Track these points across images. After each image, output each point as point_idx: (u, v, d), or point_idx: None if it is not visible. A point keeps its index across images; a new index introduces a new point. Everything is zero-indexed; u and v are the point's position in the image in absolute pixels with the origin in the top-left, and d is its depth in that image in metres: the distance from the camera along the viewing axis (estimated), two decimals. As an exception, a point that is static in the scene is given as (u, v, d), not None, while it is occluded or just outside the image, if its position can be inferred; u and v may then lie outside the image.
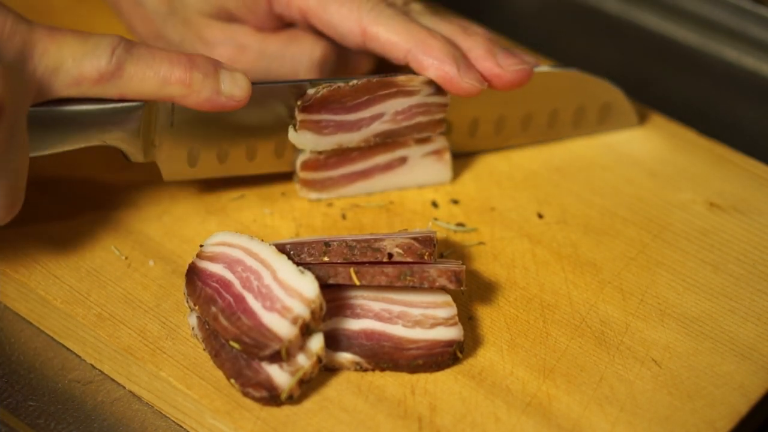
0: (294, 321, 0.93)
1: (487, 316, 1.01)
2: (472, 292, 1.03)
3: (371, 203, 1.10)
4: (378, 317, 0.97)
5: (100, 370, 0.99)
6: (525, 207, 1.11)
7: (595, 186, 1.14)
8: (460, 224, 1.09)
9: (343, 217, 1.09)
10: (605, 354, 0.99)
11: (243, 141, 1.06)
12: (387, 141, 1.08)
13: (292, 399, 0.94)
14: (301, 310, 0.93)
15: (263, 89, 1.04)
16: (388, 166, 1.10)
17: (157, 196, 1.09)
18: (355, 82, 1.05)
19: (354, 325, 0.97)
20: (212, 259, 0.98)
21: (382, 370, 0.97)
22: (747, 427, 0.97)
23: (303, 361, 0.93)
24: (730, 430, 0.95)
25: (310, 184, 1.09)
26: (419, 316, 0.97)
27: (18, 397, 0.97)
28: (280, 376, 0.93)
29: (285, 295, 0.94)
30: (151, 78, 0.97)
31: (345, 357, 0.96)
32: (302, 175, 1.08)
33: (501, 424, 0.94)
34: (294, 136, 1.06)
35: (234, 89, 1.00)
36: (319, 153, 1.07)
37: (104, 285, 1.01)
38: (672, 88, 1.25)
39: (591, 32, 1.38)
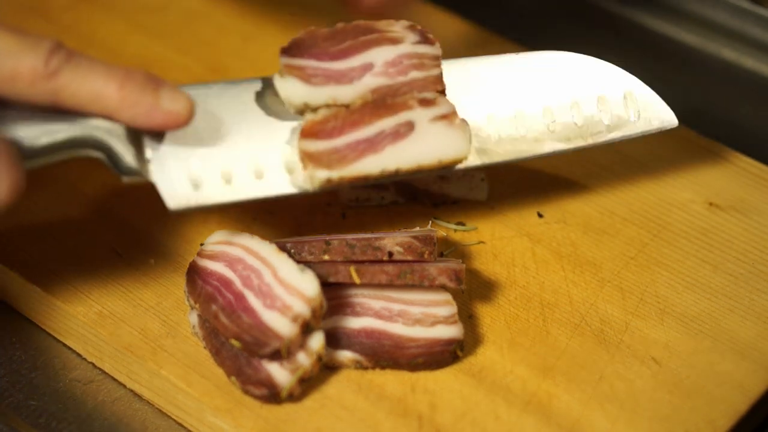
0: (294, 319, 0.93)
1: (487, 314, 1.02)
2: (472, 291, 1.03)
3: (371, 202, 1.11)
4: (378, 315, 0.97)
5: (100, 369, 0.99)
6: (525, 206, 1.11)
7: (594, 185, 1.14)
8: (460, 223, 1.09)
9: (344, 216, 1.09)
10: (605, 353, 0.99)
11: (245, 156, 1.00)
12: (387, 102, 1.02)
13: (293, 397, 0.94)
14: (302, 309, 0.93)
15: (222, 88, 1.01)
16: (396, 134, 1.01)
17: (158, 195, 1.09)
18: (335, 26, 1.02)
19: (354, 323, 0.97)
20: (213, 257, 0.98)
21: (383, 368, 0.97)
22: (747, 425, 0.97)
23: (303, 359, 0.93)
24: (729, 429, 0.95)
25: (315, 159, 0.98)
26: (419, 315, 0.97)
27: (19, 397, 0.97)
28: (280, 374, 0.93)
29: (285, 293, 0.94)
30: (86, 89, 0.94)
31: (345, 355, 0.96)
32: (303, 145, 0.98)
33: (501, 422, 0.94)
34: (280, 84, 1.00)
35: (174, 105, 0.96)
36: (315, 113, 1.01)
37: (105, 283, 1.02)
38: (672, 89, 1.25)
39: (591, 32, 1.38)
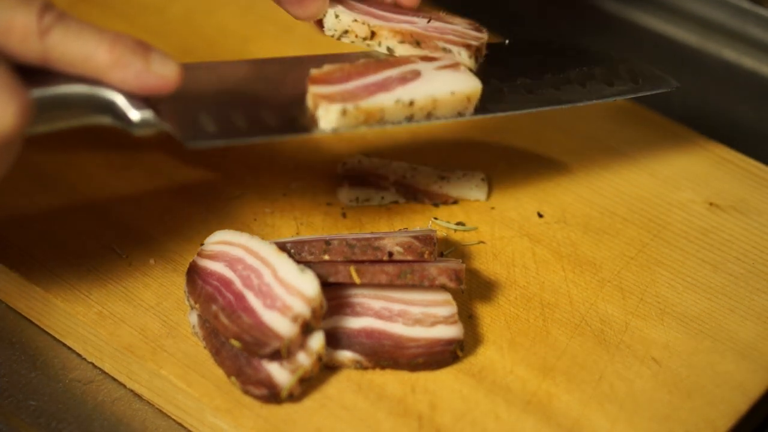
0: (294, 319, 0.93)
1: (487, 314, 1.02)
2: (472, 291, 1.03)
3: (371, 202, 1.11)
4: (378, 315, 0.97)
5: (100, 369, 0.99)
6: (525, 206, 1.11)
7: (594, 185, 1.14)
8: (460, 223, 1.09)
9: (344, 215, 1.09)
10: (605, 353, 0.99)
11: (257, 99, 1.00)
12: (390, 60, 1.02)
13: (293, 397, 0.94)
14: (302, 309, 0.93)
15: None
16: (403, 79, 1.01)
17: (158, 195, 1.09)
18: None
19: (354, 323, 0.97)
20: (213, 257, 0.98)
21: (383, 368, 0.97)
22: (747, 425, 0.97)
23: (303, 359, 0.93)
24: (729, 429, 0.95)
25: (328, 98, 0.97)
26: (419, 315, 0.97)
27: (19, 397, 0.97)
28: (280, 374, 0.93)
29: (285, 293, 0.94)
30: (76, 49, 0.93)
31: (345, 355, 0.96)
32: (315, 90, 0.98)
33: (501, 422, 0.94)
34: None
35: (163, 68, 0.95)
36: (322, 68, 1.01)
37: (105, 283, 1.02)
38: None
39: (591, 32, 1.38)
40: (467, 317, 1.01)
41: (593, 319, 1.01)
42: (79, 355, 1.00)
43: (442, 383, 0.96)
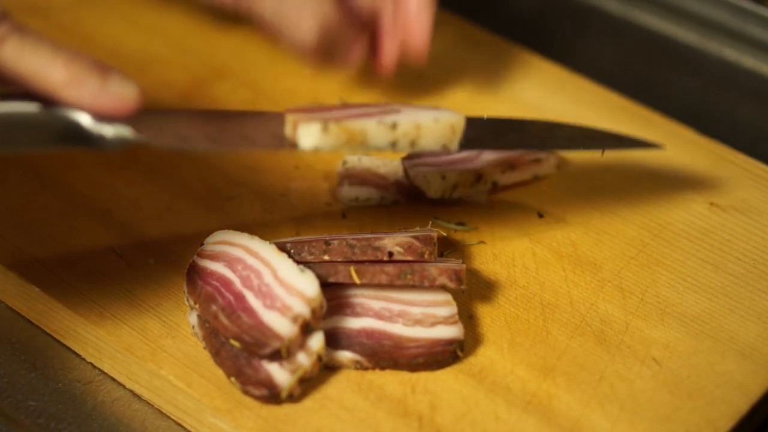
0: (294, 319, 0.93)
1: (487, 314, 1.02)
2: (472, 291, 1.03)
3: (371, 202, 1.11)
4: (378, 316, 0.97)
5: (100, 370, 0.99)
6: (525, 206, 1.11)
7: (595, 185, 1.14)
8: (460, 223, 1.09)
9: (344, 216, 1.09)
10: (605, 353, 0.99)
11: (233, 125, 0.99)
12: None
13: (293, 397, 0.94)
14: (302, 309, 0.93)
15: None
16: (384, 112, 1.00)
17: (158, 195, 1.09)
18: None
19: (354, 323, 0.97)
20: (213, 257, 0.98)
21: (383, 368, 0.97)
22: (747, 425, 0.97)
23: (303, 359, 0.93)
24: (730, 429, 0.95)
25: (308, 119, 0.97)
26: (419, 315, 0.97)
27: (18, 397, 0.97)
28: (280, 374, 0.93)
29: (285, 293, 0.94)
30: (32, 61, 0.90)
31: (345, 355, 0.96)
32: (292, 117, 0.97)
33: (501, 422, 0.94)
34: None
35: (122, 89, 0.92)
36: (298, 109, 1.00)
37: (105, 284, 1.01)
38: (672, 88, 1.26)
39: (591, 32, 1.38)
40: (467, 317, 1.01)
41: (593, 320, 1.01)
42: (78, 355, 1.00)
43: (442, 383, 0.96)
